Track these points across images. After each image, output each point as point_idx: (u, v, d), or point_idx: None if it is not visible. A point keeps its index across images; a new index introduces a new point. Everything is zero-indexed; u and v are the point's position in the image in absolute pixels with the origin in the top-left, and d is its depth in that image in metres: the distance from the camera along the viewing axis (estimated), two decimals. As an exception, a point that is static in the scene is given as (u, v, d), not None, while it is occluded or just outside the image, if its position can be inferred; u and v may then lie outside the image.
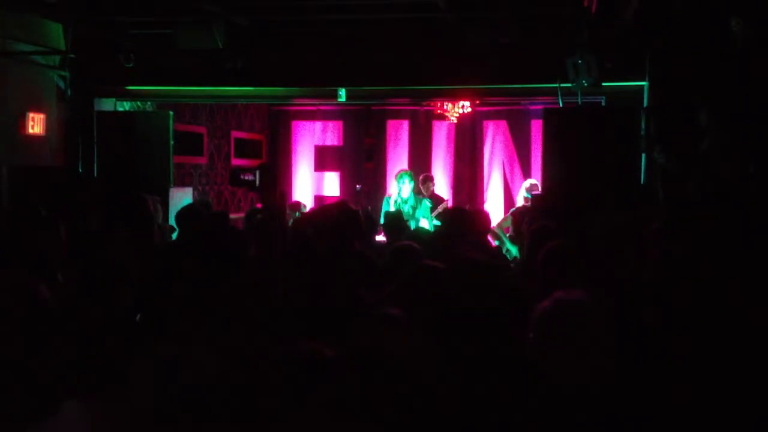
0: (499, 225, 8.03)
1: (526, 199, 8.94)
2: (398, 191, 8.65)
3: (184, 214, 5.81)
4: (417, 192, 9.04)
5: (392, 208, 8.47)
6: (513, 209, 9.29)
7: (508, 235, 7.30)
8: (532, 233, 4.69)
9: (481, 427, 2.38)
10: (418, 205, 8.60)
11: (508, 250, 6.93)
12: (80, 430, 2.02)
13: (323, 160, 12.58)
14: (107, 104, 9.05)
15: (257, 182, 3.56)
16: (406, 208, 8.46)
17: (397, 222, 5.96)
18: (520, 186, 9.82)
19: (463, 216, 5.32)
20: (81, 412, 2.05)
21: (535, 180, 9.32)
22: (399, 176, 8.77)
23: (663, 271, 2.94)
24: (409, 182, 8.67)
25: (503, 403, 2.41)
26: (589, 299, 2.43)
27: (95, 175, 8.70)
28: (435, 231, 5.38)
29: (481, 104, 11.16)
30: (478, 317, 2.83)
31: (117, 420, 2.06)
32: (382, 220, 6.77)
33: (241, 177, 3.70)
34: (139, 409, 2.13)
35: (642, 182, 7.50)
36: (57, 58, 8.32)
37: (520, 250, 6.14)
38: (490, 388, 2.47)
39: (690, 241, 3.32)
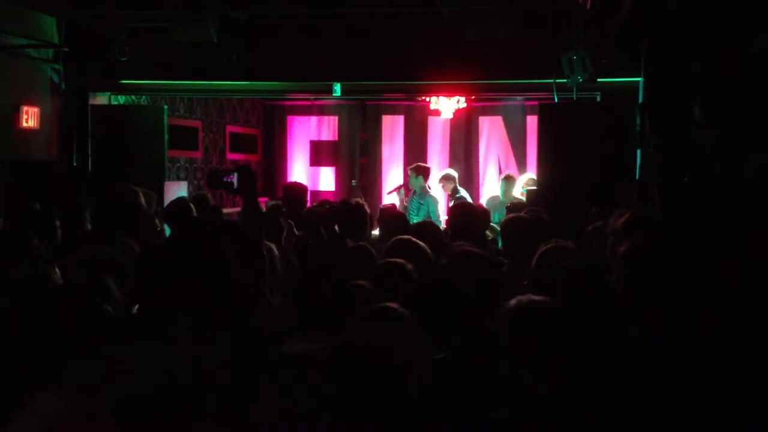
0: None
1: (522, 194, 8.94)
2: (417, 189, 8.80)
3: (173, 208, 5.78)
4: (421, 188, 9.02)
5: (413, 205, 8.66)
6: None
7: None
8: (502, 226, 4.71)
9: (474, 425, 2.37)
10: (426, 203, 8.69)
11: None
12: (46, 421, 2.00)
13: (318, 155, 12.56)
14: (102, 98, 9.02)
15: (235, 185, 3.21)
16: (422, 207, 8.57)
17: (393, 217, 5.93)
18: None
19: (471, 212, 5.34)
20: (50, 404, 2.03)
21: (532, 174, 9.30)
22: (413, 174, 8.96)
23: (625, 267, 2.90)
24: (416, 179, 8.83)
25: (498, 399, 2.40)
26: (554, 303, 2.41)
27: (89, 168, 8.67)
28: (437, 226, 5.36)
29: (477, 100, 11.14)
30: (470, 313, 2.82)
31: (85, 413, 2.04)
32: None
33: (224, 179, 3.27)
34: (112, 404, 2.11)
35: (637, 178, 7.51)
36: (51, 52, 8.28)
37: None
38: (481, 384, 2.46)
39: (651, 237, 3.26)
